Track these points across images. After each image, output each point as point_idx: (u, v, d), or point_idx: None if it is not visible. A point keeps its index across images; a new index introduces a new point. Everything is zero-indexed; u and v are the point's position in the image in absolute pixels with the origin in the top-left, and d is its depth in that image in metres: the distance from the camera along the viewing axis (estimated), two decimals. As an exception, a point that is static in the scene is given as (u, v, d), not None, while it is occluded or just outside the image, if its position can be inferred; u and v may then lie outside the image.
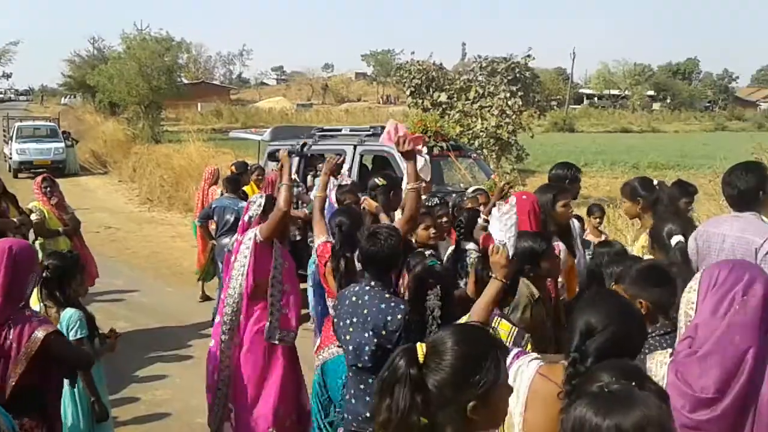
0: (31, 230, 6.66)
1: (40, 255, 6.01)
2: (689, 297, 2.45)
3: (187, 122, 39.80)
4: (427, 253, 4.66)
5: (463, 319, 3.32)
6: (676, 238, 3.63)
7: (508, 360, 2.33)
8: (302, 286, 7.27)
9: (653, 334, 2.84)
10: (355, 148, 8.45)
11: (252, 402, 4.46)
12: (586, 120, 59.27)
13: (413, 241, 4.68)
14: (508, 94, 13.75)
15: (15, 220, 6.30)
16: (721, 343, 2.30)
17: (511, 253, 3.04)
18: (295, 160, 8.79)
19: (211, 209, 8.00)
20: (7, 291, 3.19)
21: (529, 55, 14.52)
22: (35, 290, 3.88)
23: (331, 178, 6.30)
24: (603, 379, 1.79)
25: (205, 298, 8.79)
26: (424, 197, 5.08)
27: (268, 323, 4.41)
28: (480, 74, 14.42)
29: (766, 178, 3.94)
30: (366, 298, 3.52)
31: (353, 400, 3.56)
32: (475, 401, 1.70)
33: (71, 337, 3.84)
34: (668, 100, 76.02)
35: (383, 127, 9.25)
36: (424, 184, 5.81)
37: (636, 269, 3.10)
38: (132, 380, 6.38)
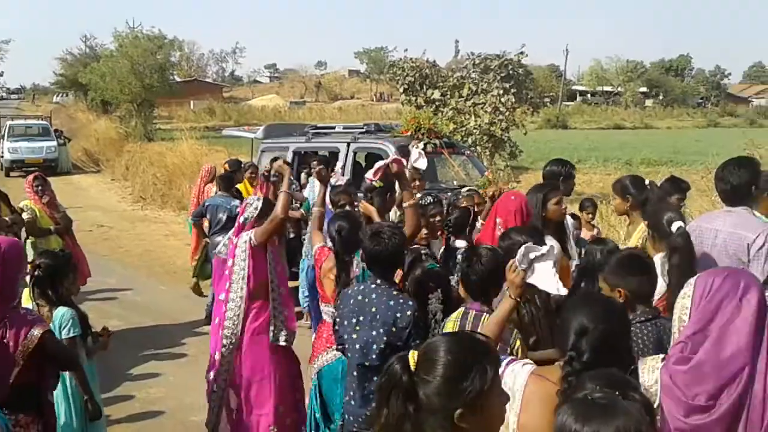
0: (23, 229, 6.63)
1: (31, 254, 6.01)
2: (683, 303, 2.45)
3: (179, 120, 39.77)
4: (422, 252, 4.68)
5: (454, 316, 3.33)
6: (677, 224, 3.62)
7: (501, 367, 2.35)
8: (294, 284, 7.33)
9: (634, 322, 2.90)
10: (348, 146, 8.45)
11: (251, 401, 4.49)
12: (579, 117, 59.41)
13: None
14: (501, 91, 13.73)
15: (7, 218, 6.27)
16: (714, 350, 2.30)
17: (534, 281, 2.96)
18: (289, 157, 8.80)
19: (204, 207, 7.99)
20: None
21: (522, 52, 14.50)
22: (27, 289, 3.88)
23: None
24: (588, 387, 1.81)
25: (198, 293, 8.72)
26: (418, 195, 5.09)
27: (272, 326, 4.48)
28: (473, 71, 14.39)
29: (758, 174, 3.95)
30: (373, 296, 3.52)
31: (353, 402, 3.54)
32: (462, 409, 1.70)
33: (64, 336, 3.84)
34: (661, 97, 76.28)
35: (377, 125, 9.29)
36: (418, 183, 5.83)
37: (615, 258, 3.14)
38: (125, 378, 6.36)
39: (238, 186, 8.66)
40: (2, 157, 23.32)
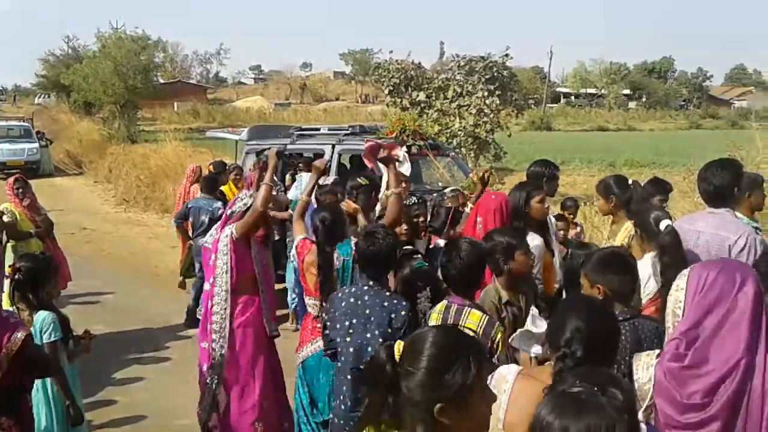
0: (3, 232, 6.55)
1: (11, 257, 5.94)
2: (677, 296, 2.44)
3: (163, 122, 39.53)
4: (411, 249, 4.70)
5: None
6: (665, 222, 3.65)
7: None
8: (280, 286, 7.30)
9: None
10: (333, 148, 8.43)
11: (237, 396, 4.54)
12: (563, 119, 59.70)
13: None
14: (485, 93, 13.79)
15: (-13, 221, 6.20)
16: (710, 347, 2.28)
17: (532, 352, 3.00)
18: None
19: (187, 209, 7.95)
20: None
21: (506, 55, 14.58)
22: (6, 292, 3.84)
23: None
24: (569, 382, 1.81)
25: (182, 286, 8.59)
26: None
27: (265, 319, 4.57)
28: (458, 73, 14.45)
29: (740, 176, 4.00)
30: (366, 298, 3.52)
31: (343, 406, 3.53)
32: (443, 403, 1.70)
33: (45, 340, 3.80)
34: (644, 99, 76.78)
35: (362, 126, 9.27)
36: (404, 184, 5.85)
37: (597, 256, 3.16)
38: (108, 383, 6.30)
39: (223, 188, 8.61)
40: (-17, 159, 23.02)
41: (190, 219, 7.85)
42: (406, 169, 5.45)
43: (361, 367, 3.40)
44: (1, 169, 22.01)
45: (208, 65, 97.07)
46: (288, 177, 8.96)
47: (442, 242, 4.94)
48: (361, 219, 4.70)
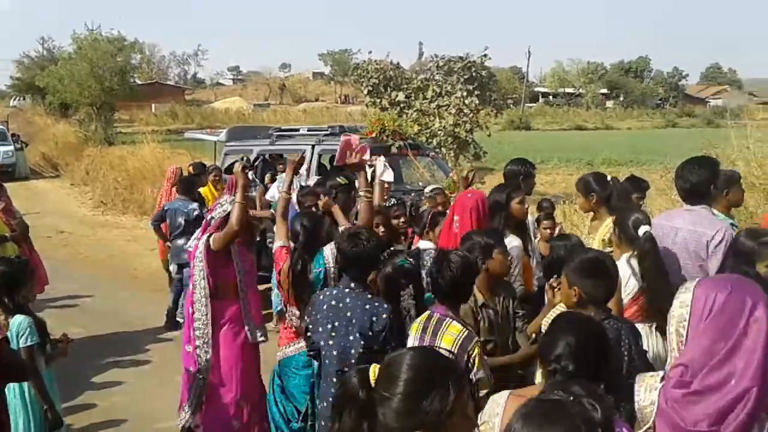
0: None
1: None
2: (681, 313, 2.33)
3: (141, 123, 39.12)
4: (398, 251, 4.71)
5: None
6: (644, 228, 3.68)
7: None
8: (265, 286, 7.27)
9: None
10: (313, 148, 8.42)
11: (219, 396, 4.61)
12: (542, 118, 60.05)
13: None
14: (465, 93, 13.80)
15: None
16: (719, 375, 2.18)
17: None
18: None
19: (164, 211, 7.92)
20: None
21: (485, 55, 14.61)
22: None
23: (295, 180, 6.29)
24: (548, 391, 1.78)
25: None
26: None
27: (247, 326, 4.66)
28: (437, 73, 14.44)
29: (717, 173, 4.05)
30: (347, 300, 3.51)
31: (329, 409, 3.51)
32: (420, 431, 1.63)
33: (22, 344, 3.76)
34: (621, 98, 77.51)
35: (341, 127, 9.27)
36: (387, 185, 5.89)
37: (579, 258, 3.18)
38: (88, 386, 6.23)
39: (202, 189, 8.57)
40: (-43, 162, 22.68)
41: (167, 220, 7.81)
42: (388, 176, 5.50)
43: (346, 369, 3.41)
44: (-23, 173, 21.73)
45: (185, 66, 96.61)
46: (267, 177, 8.94)
47: (423, 244, 4.95)
48: (341, 219, 4.70)
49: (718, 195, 4.35)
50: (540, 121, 57.42)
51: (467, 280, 3.30)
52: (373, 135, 8.85)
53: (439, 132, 13.45)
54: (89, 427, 5.51)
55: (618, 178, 5.20)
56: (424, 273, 4.10)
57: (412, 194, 7.32)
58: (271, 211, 7.60)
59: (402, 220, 5.43)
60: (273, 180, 8.89)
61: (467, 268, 3.28)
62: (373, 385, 1.71)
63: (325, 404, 3.57)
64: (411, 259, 4.24)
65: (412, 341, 3.26)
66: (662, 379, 2.38)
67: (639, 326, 3.26)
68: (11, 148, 23.25)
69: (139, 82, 43.88)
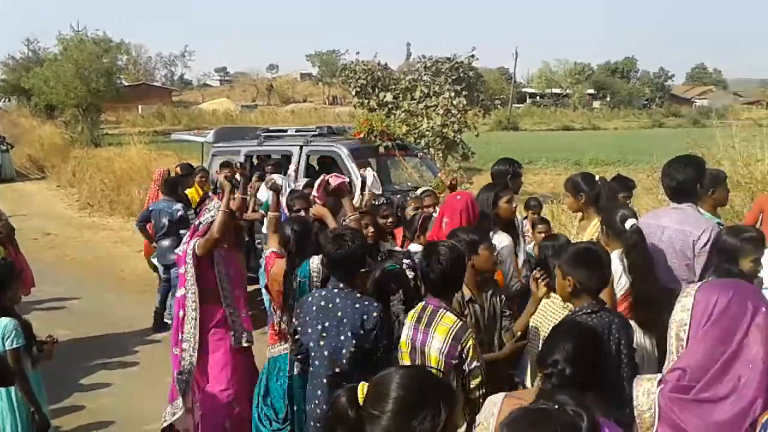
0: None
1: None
2: (682, 317, 2.32)
3: (128, 125, 38.91)
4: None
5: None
6: (630, 221, 3.72)
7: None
8: (254, 287, 7.24)
9: (579, 313, 3.04)
10: (301, 149, 8.40)
11: (210, 399, 4.65)
12: (530, 118, 60.26)
13: None
14: (452, 94, 13.84)
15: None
16: (722, 383, 2.17)
17: None
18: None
19: (149, 212, 7.91)
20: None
21: (472, 56, 14.66)
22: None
23: (284, 181, 6.33)
24: (541, 395, 1.80)
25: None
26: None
27: (232, 331, 4.71)
28: (425, 74, 14.48)
29: (703, 171, 4.08)
30: (337, 300, 3.50)
31: (318, 410, 3.48)
32: None
33: (8, 347, 3.73)
34: (608, 99, 77.98)
35: (329, 128, 9.26)
36: (377, 192, 6.01)
37: (572, 249, 3.23)
38: (75, 388, 6.21)
39: (188, 190, 8.55)
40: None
41: (152, 221, 7.81)
42: (377, 187, 5.72)
43: (338, 370, 3.41)
44: (-40, 175, 21.55)
45: (172, 67, 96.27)
46: (255, 178, 8.91)
47: (413, 247, 4.96)
48: (330, 222, 4.70)
49: (704, 194, 4.39)
50: (527, 122, 57.63)
51: (457, 271, 3.31)
52: (361, 136, 8.84)
53: (427, 132, 13.47)
54: (77, 429, 5.49)
55: (605, 178, 5.23)
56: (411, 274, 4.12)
57: (398, 195, 7.32)
58: (261, 212, 7.59)
59: (390, 220, 5.44)
60: (260, 180, 8.87)
61: (456, 259, 3.28)
62: (361, 403, 1.70)
63: (312, 405, 3.57)
64: (406, 260, 4.24)
65: (406, 330, 3.29)
66: (659, 382, 2.38)
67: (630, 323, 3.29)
68: (-3, 150, 23.06)
69: (126, 84, 43.58)
